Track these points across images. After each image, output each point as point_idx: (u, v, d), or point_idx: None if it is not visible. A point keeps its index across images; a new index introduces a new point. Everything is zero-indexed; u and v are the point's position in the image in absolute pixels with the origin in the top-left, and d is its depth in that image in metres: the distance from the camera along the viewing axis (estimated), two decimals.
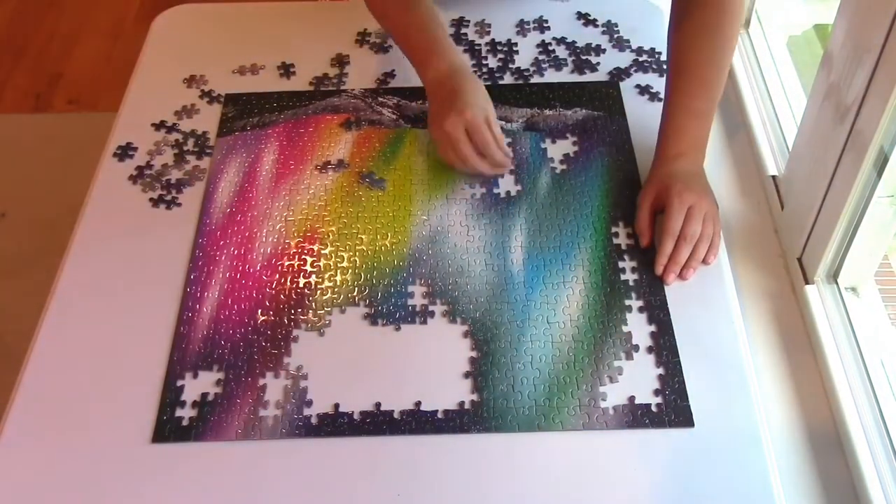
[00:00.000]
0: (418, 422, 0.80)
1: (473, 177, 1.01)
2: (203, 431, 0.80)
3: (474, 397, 0.82)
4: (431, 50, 1.01)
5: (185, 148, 1.06)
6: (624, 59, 1.15)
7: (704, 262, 0.91)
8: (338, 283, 0.91)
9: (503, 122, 1.07)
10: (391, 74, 1.14)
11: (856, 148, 0.83)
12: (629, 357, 0.84)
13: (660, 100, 1.09)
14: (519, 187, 1.00)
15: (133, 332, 0.88)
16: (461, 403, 0.82)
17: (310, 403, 0.82)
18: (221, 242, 0.95)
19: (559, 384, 0.83)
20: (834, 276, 0.93)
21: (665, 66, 1.13)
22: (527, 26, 1.20)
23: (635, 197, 0.98)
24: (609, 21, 1.20)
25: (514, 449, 0.79)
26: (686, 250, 0.90)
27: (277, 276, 0.92)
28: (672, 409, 0.81)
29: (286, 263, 0.93)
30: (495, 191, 0.99)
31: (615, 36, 1.18)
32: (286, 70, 1.15)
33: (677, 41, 0.99)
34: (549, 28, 1.20)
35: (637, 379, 0.83)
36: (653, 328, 0.87)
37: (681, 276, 0.90)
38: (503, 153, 0.98)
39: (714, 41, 0.97)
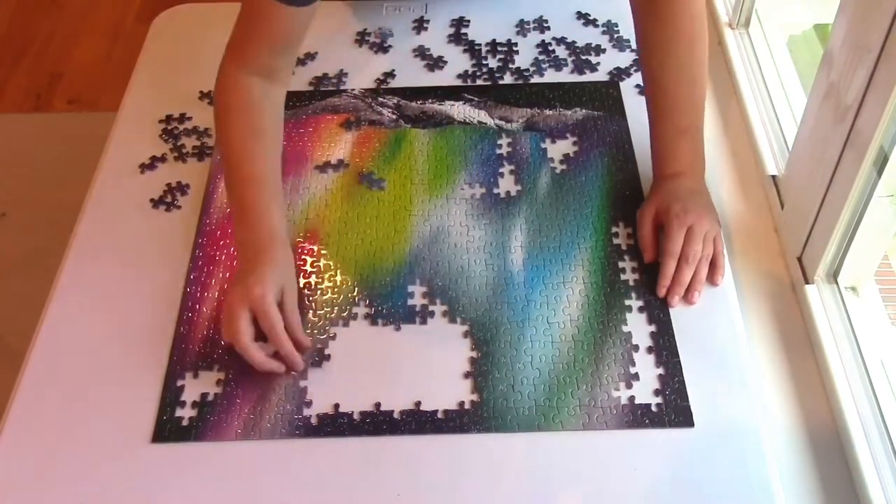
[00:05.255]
0: (418, 422, 0.80)
1: (473, 176, 1.01)
2: (203, 431, 0.80)
3: (474, 397, 0.82)
4: (256, 206, 0.87)
5: (185, 148, 1.06)
6: (624, 59, 1.15)
7: (711, 282, 0.90)
8: (338, 283, 0.91)
9: (503, 122, 1.07)
10: (391, 74, 1.14)
11: (856, 147, 0.83)
12: (629, 357, 0.84)
13: None
14: (519, 187, 1.00)
15: (133, 332, 0.88)
16: (461, 403, 0.82)
17: (309, 403, 0.82)
18: (221, 242, 0.95)
19: (559, 384, 0.83)
20: (834, 275, 0.93)
21: None
22: (527, 26, 1.20)
23: (635, 197, 0.98)
24: (609, 21, 1.20)
25: (514, 449, 0.79)
26: (688, 271, 0.88)
27: None
28: (672, 409, 0.81)
29: None
30: (495, 191, 0.99)
31: (615, 36, 1.18)
32: None
33: (648, 60, 0.97)
34: (549, 28, 1.20)
35: (637, 379, 0.83)
36: (653, 328, 0.86)
37: (686, 299, 0.88)
38: (291, 345, 0.81)
39: (687, 54, 0.94)
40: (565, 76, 1.14)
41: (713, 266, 0.90)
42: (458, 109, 1.09)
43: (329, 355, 0.85)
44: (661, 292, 0.89)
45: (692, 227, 0.89)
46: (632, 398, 0.81)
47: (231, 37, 0.93)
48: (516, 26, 1.20)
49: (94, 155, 1.06)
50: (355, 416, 0.81)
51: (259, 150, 0.90)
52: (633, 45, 1.16)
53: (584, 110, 1.08)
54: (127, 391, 0.83)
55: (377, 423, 0.80)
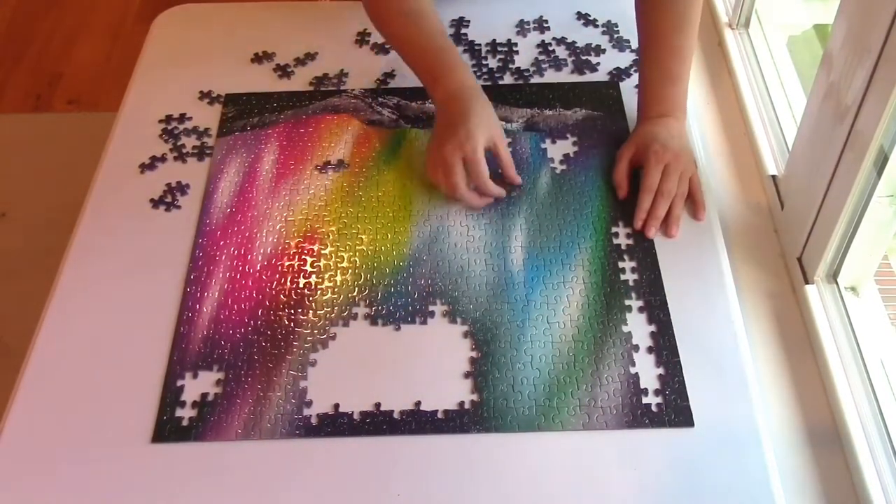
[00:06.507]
0: (418, 422, 0.80)
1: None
2: (203, 431, 0.80)
3: (474, 397, 0.82)
4: (443, 66, 0.99)
5: (185, 148, 1.06)
6: (624, 59, 1.15)
7: (695, 217, 0.95)
8: (338, 283, 0.91)
9: (503, 123, 1.07)
10: (391, 74, 1.14)
11: (855, 147, 0.83)
12: (629, 357, 0.84)
13: None
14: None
15: (133, 332, 0.88)
16: (461, 403, 0.82)
17: (310, 403, 0.82)
18: (221, 242, 0.95)
19: (559, 384, 0.83)
20: (834, 275, 0.93)
21: None
22: (527, 26, 1.20)
23: (635, 197, 0.98)
24: (609, 21, 1.20)
25: (514, 449, 0.79)
26: (663, 205, 0.94)
27: (277, 276, 0.92)
28: (672, 409, 0.81)
29: (286, 263, 0.93)
30: None
31: (615, 36, 1.18)
32: (285, 70, 1.15)
33: (649, 9, 1.02)
34: (549, 28, 1.20)
35: (637, 379, 0.83)
36: (653, 328, 0.87)
37: (666, 233, 0.94)
38: (498, 189, 0.96)
39: (687, 7, 0.99)
40: (565, 76, 1.14)
41: (693, 202, 0.96)
42: None
43: (329, 355, 0.85)
44: (638, 224, 0.94)
45: (669, 165, 0.96)
46: (632, 398, 0.81)
47: None
48: (516, 26, 1.20)
49: (94, 155, 1.06)
50: (355, 416, 0.81)
51: (428, 25, 1.01)
52: (633, 45, 1.16)
53: (584, 110, 1.08)
54: (127, 391, 0.83)
55: (377, 423, 0.80)
